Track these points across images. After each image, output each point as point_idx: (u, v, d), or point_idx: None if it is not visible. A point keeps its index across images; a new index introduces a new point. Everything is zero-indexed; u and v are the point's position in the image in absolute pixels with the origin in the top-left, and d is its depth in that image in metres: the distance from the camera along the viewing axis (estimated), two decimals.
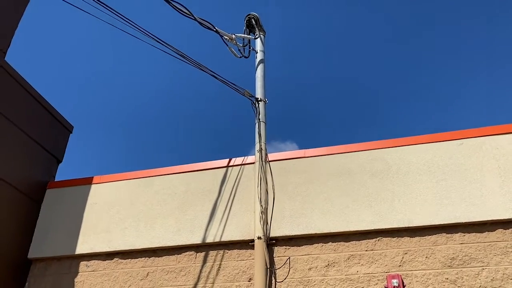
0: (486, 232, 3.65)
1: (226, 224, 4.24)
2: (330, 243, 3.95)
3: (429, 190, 3.89)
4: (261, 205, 4.07)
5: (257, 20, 5.17)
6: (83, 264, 4.52)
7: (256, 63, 5.03)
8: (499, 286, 3.42)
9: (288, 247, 4.04)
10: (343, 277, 3.76)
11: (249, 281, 3.97)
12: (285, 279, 3.88)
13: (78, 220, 4.72)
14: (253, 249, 3.97)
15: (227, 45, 4.79)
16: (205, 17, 4.43)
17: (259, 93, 4.77)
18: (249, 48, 5.08)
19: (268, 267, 3.87)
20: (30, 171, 4.94)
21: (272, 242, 4.05)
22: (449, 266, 3.59)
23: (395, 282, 3.56)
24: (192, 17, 4.28)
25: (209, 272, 4.12)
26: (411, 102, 14.74)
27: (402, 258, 3.72)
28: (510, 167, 3.81)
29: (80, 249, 4.53)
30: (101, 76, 14.55)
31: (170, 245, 4.30)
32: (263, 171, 4.27)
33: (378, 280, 3.67)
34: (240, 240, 4.14)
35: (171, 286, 4.15)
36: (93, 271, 4.45)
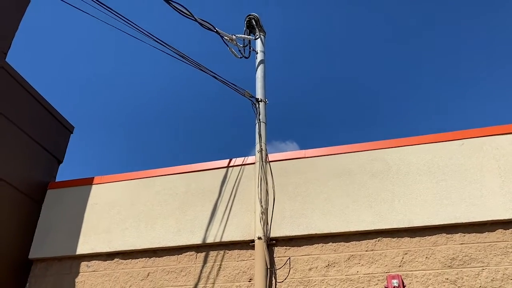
0: (486, 233, 3.65)
1: (226, 224, 4.25)
2: (331, 243, 3.96)
3: (429, 190, 3.89)
4: (262, 206, 4.08)
5: (257, 21, 5.17)
6: (83, 265, 4.53)
7: (257, 63, 5.04)
8: (499, 286, 3.42)
9: (288, 247, 4.04)
10: (343, 277, 3.77)
11: (249, 281, 3.97)
12: (285, 279, 3.88)
13: (79, 221, 4.72)
14: (254, 249, 3.98)
15: (228, 46, 4.80)
16: (206, 18, 4.44)
17: (259, 94, 4.78)
18: (250, 48, 5.09)
19: (269, 267, 3.88)
20: (31, 171, 4.95)
21: (272, 243, 4.06)
22: (449, 266, 3.59)
23: (395, 282, 3.57)
24: (193, 18, 4.28)
25: (210, 273, 4.13)
26: (411, 102, 14.75)
27: (402, 258, 3.72)
28: (510, 167, 3.81)
29: (81, 249, 4.54)
30: (101, 76, 14.58)
31: (170, 245, 4.31)
32: (264, 172, 4.28)
33: (378, 280, 3.68)
34: (240, 241, 4.15)
35: (171, 286, 4.16)
36: (93, 271, 4.46)
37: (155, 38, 4.00)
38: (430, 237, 3.75)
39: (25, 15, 4.92)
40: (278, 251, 4.05)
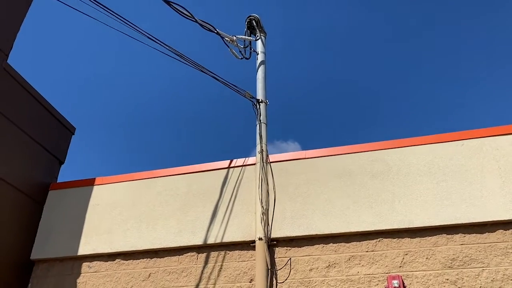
0: (487, 233, 3.66)
1: (227, 225, 4.26)
2: (331, 244, 3.97)
3: (430, 191, 3.90)
4: (262, 206, 4.09)
5: (258, 22, 5.18)
6: (85, 265, 4.54)
7: (257, 64, 5.05)
8: (499, 287, 3.43)
9: (289, 248, 4.05)
10: (344, 278, 3.78)
11: (250, 282, 3.99)
12: (286, 279, 3.89)
13: (80, 221, 4.74)
14: (254, 250, 3.99)
15: (228, 47, 4.82)
16: (206, 19, 4.46)
17: (260, 95, 4.79)
18: (250, 49, 5.10)
19: (269, 268, 3.89)
20: (32, 172, 4.97)
21: (273, 243, 4.07)
22: (449, 267, 3.60)
23: (395, 283, 3.58)
24: (193, 19, 4.30)
25: (211, 273, 4.14)
26: (411, 102, 14.74)
27: (403, 259, 3.73)
28: (510, 168, 3.82)
29: (83, 250, 4.56)
30: (103, 77, 14.60)
31: (171, 246, 4.32)
32: (264, 172, 4.29)
33: (379, 281, 3.69)
34: (241, 241, 4.16)
35: (172, 287, 4.17)
36: (95, 272, 4.48)
37: (155, 40, 4.02)
38: (431, 237, 3.76)
39: (26, 15, 4.94)
40: (279, 251, 4.06)
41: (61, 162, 5.45)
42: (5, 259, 4.45)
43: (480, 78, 13.59)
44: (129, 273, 4.37)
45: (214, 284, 4.07)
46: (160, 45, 4.06)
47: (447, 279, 3.55)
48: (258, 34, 5.20)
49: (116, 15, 3.75)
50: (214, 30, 4.58)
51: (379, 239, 3.87)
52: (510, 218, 3.60)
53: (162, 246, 4.34)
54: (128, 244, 4.45)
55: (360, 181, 4.12)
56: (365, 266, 3.79)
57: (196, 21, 4.33)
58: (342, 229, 3.94)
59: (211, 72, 4.47)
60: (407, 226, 3.79)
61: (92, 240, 4.59)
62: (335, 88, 15.20)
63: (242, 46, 4.99)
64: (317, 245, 3.99)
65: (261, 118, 4.61)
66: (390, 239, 3.84)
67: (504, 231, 3.63)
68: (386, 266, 3.74)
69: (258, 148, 4.45)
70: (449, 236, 3.72)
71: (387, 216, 3.88)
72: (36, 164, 5.04)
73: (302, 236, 4.02)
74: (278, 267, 3.97)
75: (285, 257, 4.01)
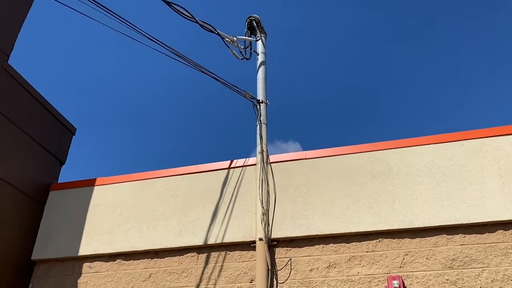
0: (487, 233, 3.66)
1: (227, 225, 4.27)
2: (331, 244, 3.97)
3: (430, 191, 3.90)
4: (263, 207, 4.10)
5: (258, 22, 5.19)
6: (86, 266, 4.55)
7: (258, 65, 5.06)
8: (499, 287, 3.43)
9: (289, 248, 4.06)
10: (344, 278, 3.78)
11: (250, 282, 3.99)
12: (286, 280, 3.90)
13: (81, 222, 4.75)
14: (255, 250, 4.00)
15: (229, 47, 4.82)
16: (206, 19, 4.47)
17: (260, 95, 4.79)
18: (251, 50, 5.11)
19: (270, 268, 3.89)
20: (33, 173, 4.98)
21: (273, 244, 4.08)
22: (449, 267, 3.61)
23: (395, 283, 3.58)
24: (194, 20, 4.31)
25: (211, 273, 4.15)
26: (411, 102, 14.74)
27: (403, 259, 3.74)
28: (510, 168, 3.82)
29: (83, 250, 4.57)
30: (103, 78, 14.62)
31: (172, 246, 4.33)
32: (265, 173, 4.29)
33: (379, 281, 3.69)
34: (241, 242, 4.17)
35: (173, 287, 4.18)
36: (96, 272, 4.49)
37: (156, 40, 4.02)
38: (431, 238, 3.76)
39: (27, 16, 4.95)
40: (279, 252, 4.07)
41: (62, 163, 5.46)
42: (6, 259, 4.46)
43: (480, 78, 13.59)
44: (130, 273, 4.38)
45: (215, 284, 4.07)
46: (161, 45, 4.07)
47: (447, 280, 3.56)
48: (258, 34, 5.21)
49: (117, 16, 3.76)
50: (214, 30, 4.59)
51: (379, 239, 3.88)
52: (510, 219, 3.61)
53: (162, 247, 4.35)
54: (129, 245, 4.46)
55: (360, 182, 4.13)
56: (365, 266, 3.79)
57: (196, 22, 4.34)
58: (343, 229, 3.94)
59: (212, 73, 4.48)
60: (407, 227, 3.80)
61: (93, 240, 4.60)
62: (335, 88, 15.21)
63: (242, 47, 5.00)
64: (318, 246, 3.99)
65: (262, 118, 4.61)
66: (390, 239, 3.85)
67: (504, 232, 3.63)
68: (387, 266, 3.74)
69: (258, 149, 4.46)
70: (449, 236, 3.73)
71: (387, 216, 3.89)
72: (37, 165, 5.05)
73: (303, 236, 4.03)
74: (278, 268, 3.98)
75: (286, 257, 4.02)
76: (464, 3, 13.58)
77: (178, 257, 4.33)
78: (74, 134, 5.71)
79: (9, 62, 4.69)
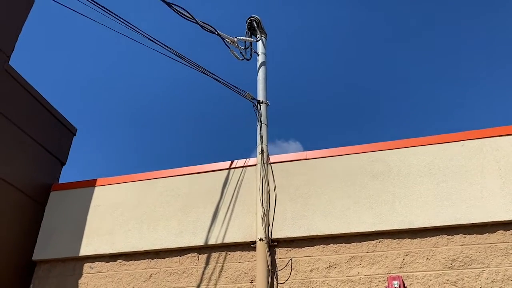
0: (487, 234, 3.67)
1: (228, 226, 4.28)
2: (332, 244, 3.98)
3: (430, 191, 3.90)
4: (263, 207, 4.10)
5: (258, 23, 5.20)
6: (87, 266, 4.56)
7: (258, 65, 5.06)
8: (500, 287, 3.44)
9: (289, 248, 4.07)
10: (344, 279, 3.79)
11: (251, 282, 4.00)
12: (286, 280, 3.91)
13: (82, 222, 4.76)
14: (255, 250, 4.01)
15: (229, 48, 4.83)
16: (207, 20, 4.47)
17: (260, 96, 4.80)
18: (251, 50, 5.12)
19: (270, 268, 3.90)
20: (34, 173, 4.99)
21: (274, 244, 4.08)
22: (449, 267, 3.61)
23: (396, 283, 3.59)
24: (194, 21, 4.31)
25: (212, 274, 4.15)
26: (411, 102, 14.74)
27: (403, 259, 3.74)
28: (510, 168, 3.82)
29: (84, 251, 4.58)
30: (104, 79, 14.63)
31: (172, 247, 4.34)
32: (265, 173, 4.30)
33: (379, 281, 3.70)
34: (242, 242, 4.17)
35: (174, 287, 4.19)
36: (97, 272, 4.50)
37: (156, 41, 4.03)
38: (431, 238, 3.77)
39: (27, 18, 4.96)
40: (280, 252, 4.07)
41: (63, 163, 5.47)
42: (7, 259, 4.47)
43: (480, 78, 13.58)
44: (131, 273, 4.39)
45: (215, 285, 4.08)
46: (161, 46, 4.08)
47: (448, 280, 3.56)
48: (258, 35, 5.22)
49: (118, 17, 3.76)
50: (214, 31, 4.59)
51: (379, 239, 3.88)
52: (510, 219, 3.61)
53: (163, 247, 4.36)
54: (130, 245, 4.47)
55: (360, 182, 4.14)
56: (365, 266, 3.80)
57: (197, 23, 4.35)
58: (343, 229, 3.95)
59: (212, 73, 4.49)
60: (407, 227, 3.80)
61: (94, 241, 4.61)
62: (335, 88, 15.22)
63: (242, 47, 5.01)
64: (318, 246, 4.00)
65: (262, 119, 4.62)
66: (390, 239, 3.85)
67: (504, 232, 3.64)
68: (387, 266, 3.75)
69: (258, 149, 4.46)
70: (450, 236, 3.73)
71: (387, 216, 3.89)
72: (37, 165, 5.06)
73: (303, 236, 4.03)
74: (278, 268, 3.98)
75: (286, 257, 4.02)
76: (464, 3, 13.58)
77: (178, 257, 4.33)
78: (74, 135, 5.72)
79: (10, 63, 4.70)
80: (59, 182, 5.29)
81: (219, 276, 4.12)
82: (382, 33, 14.53)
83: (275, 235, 4.09)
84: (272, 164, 4.40)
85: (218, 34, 4.65)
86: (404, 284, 3.61)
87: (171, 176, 4.79)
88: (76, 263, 4.61)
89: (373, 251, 3.84)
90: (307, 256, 3.98)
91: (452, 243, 3.70)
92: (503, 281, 3.44)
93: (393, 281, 3.61)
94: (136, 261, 4.44)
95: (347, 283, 3.76)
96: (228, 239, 4.21)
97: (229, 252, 4.21)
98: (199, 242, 4.28)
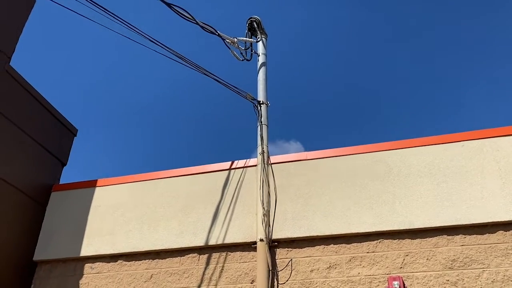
0: (487, 234, 3.67)
1: (228, 226, 4.28)
2: (332, 245, 3.98)
3: (430, 192, 3.91)
4: (263, 208, 4.11)
5: (258, 23, 5.20)
6: (87, 266, 4.57)
7: (258, 66, 5.06)
8: None
9: (290, 249, 4.07)
10: (345, 279, 3.79)
11: (251, 283, 4.00)
12: (287, 281, 3.91)
13: (83, 223, 4.77)
14: (256, 251, 4.01)
15: (229, 49, 4.83)
16: (207, 21, 4.48)
17: (261, 96, 4.80)
18: (251, 51, 5.12)
19: (271, 269, 3.90)
20: (34, 174, 5.00)
21: (274, 244, 4.09)
22: (450, 268, 3.61)
23: (396, 284, 3.59)
24: (194, 21, 4.32)
25: (212, 274, 4.16)
26: (411, 103, 14.75)
27: (403, 260, 3.75)
28: (510, 169, 3.82)
29: (85, 251, 4.59)
30: (105, 79, 14.65)
31: (173, 247, 4.34)
32: (265, 174, 4.30)
33: (380, 282, 3.70)
34: (242, 242, 4.18)
35: None
36: (97, 273, 4.50)
37: (157, 42, 4.04)
38: (431, 238, 3.77)
39: (28, 18, 4.97)
40: (280, 252, 4.08)
41: (63, 164, 5.48)
42: (8, 260, 4.48)
43: (480, 78, 13.59)
44: (131, 274, 4.39)
45: (216, 285, 4.09)
46: (162, 47, 4.08)
47: (448, 280, 3.56)
48: (259, 35, 5.22)
49: (119, 18, 3.77)
50: (215, 32, 4.60)
51: (379, 240, 3.89)
52: (510, 219, 3.61)
53: (163, 247, 4.36)
54: (130, 245, 4.48)
55: (360, 182, 4.14)
56: (366, 267, 3.80)
57: (197, 23, 4.35)
58: (343, 230, 3.95)
59: (212, 74, 4.49)
60: (407, 227, 3.81)
61: (94, 241, 4.61)
62: (335, 88, 15.22)
63: (243, 48, 5.01)
64: (318, 246, 4.00)
65: (262, 119, 4.62)
66: (390, 240, 3.86)
67: (505, 232, 3.64)
68: (387, 267, 3.75)
69: (259, 150, 4.47)
70: (450, 237, 3.73)
71: (387, 217, 3.90)
72: (38, 166, 5.07)
73: (303, 237, 4.04)
74: (279, 268, 3.99)
75: (286, 258, 4.03)
76: (464, 3, 13.58)
77: (179, 258, 4.34)
78: (75, 135, 5.73)
79: (10, 63, 4.71)
80: (60, 183, 5.30)
81: (219, 277, 4.12)
82: (382, 33, 14.53)
83: (276, 235, 4.09)
84: (272, 165, 4.41)
85: (219, 35, 4.66)
86: (404, 284, 3.61)
87: (171, 176, 4.79)
88: (77, 264, 4.62)
89: (373, 252, 3.85)
90: (307, 257, 3.99)
91: (452, 244, 3.70)
92: (503, 282, 3.45)
93: (393, 282, 3.61)
94: (137, 262, 4.44)
95: (348, 284, 3.76)
96: (229, 240, 4.21)
97: (229, 253, 4.21)
98: (200, 242, 4.29)
